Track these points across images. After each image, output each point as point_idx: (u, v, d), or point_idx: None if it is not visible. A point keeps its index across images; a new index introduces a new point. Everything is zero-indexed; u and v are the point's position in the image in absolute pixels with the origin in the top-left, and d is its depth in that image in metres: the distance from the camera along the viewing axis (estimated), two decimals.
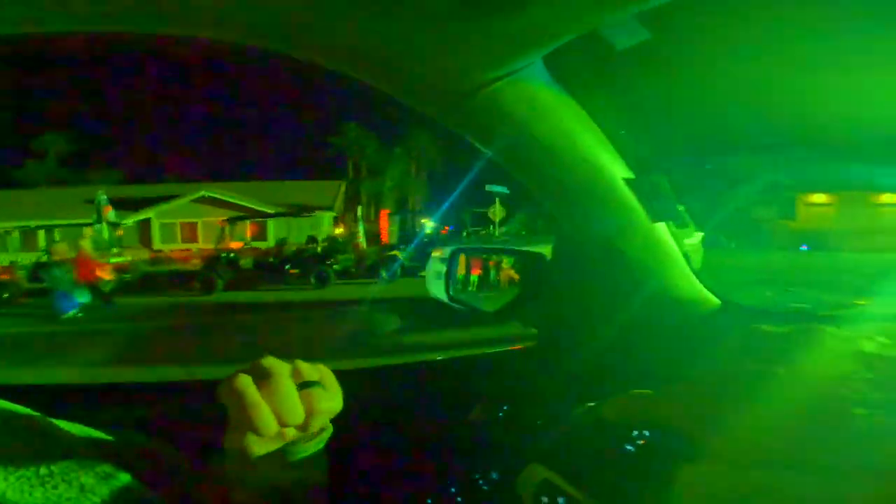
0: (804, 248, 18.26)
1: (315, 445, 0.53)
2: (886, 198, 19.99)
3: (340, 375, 0.55)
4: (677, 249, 0.96)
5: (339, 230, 28.19)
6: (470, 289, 1.14)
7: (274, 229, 24.58)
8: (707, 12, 0.66)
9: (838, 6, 0.64)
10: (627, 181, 0.86)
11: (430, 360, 1.18)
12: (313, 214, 22.00)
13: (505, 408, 1.01)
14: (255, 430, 0.47)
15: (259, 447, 0.49)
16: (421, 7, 0.55)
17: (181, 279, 14.47)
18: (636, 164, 0.86)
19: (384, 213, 27.71)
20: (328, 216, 28.10)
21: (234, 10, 0.58)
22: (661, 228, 0.92)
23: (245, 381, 0.48)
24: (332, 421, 0.55)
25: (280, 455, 0.51)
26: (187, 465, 0.59)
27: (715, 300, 0.99)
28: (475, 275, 1.16)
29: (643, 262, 0.94)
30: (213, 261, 14.62)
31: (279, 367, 0.50)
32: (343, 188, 32.73)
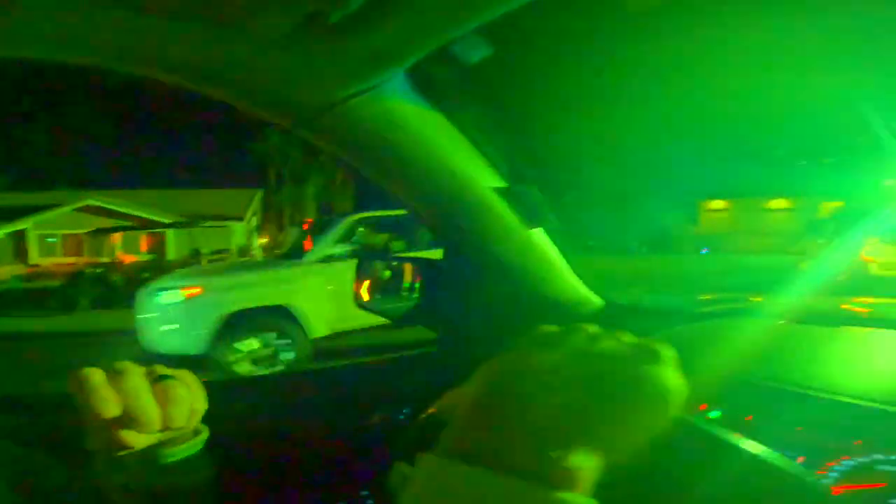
0: (705, 251, 19.69)
1: (189, 448, 0.51)
2: (774, 203, 22.15)
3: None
4: (557, 254, 1.01)
5: (261, 241, 27.03)
6: (414, 295, 1.15)
7: (175, 241, 22.91)
8: (558, 20, 0.69)
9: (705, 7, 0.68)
10: (498, 190, 0.88)
11: (334, 366, 1.17)
12: (199, 224, 20.28)
13: (405, 411, 1.01)
14: (98, 414, 0.47)
15: (99, 439, 0.48)
16: (262, 30, 0.55)
17: (37, 297, 12.67)
18: (508, 173, 0.89)
19: (308, 222, 26.85)
20: (239, 227, 26.77)
21: (86, 34, 0.56)
22: (538, 234, 0.96)
23: (90, 370, 0.48)
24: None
25: (150, 457, 0.49)
26: (62, 470, 0.57)
27: (598, 300, 1.05)
28: (417, 282, 1.16)
29: (523, 268, 0.97)
30: (76, 277, 13.15)
31: (132, 367, 0.50)
32: (259, 197, 31.54)
